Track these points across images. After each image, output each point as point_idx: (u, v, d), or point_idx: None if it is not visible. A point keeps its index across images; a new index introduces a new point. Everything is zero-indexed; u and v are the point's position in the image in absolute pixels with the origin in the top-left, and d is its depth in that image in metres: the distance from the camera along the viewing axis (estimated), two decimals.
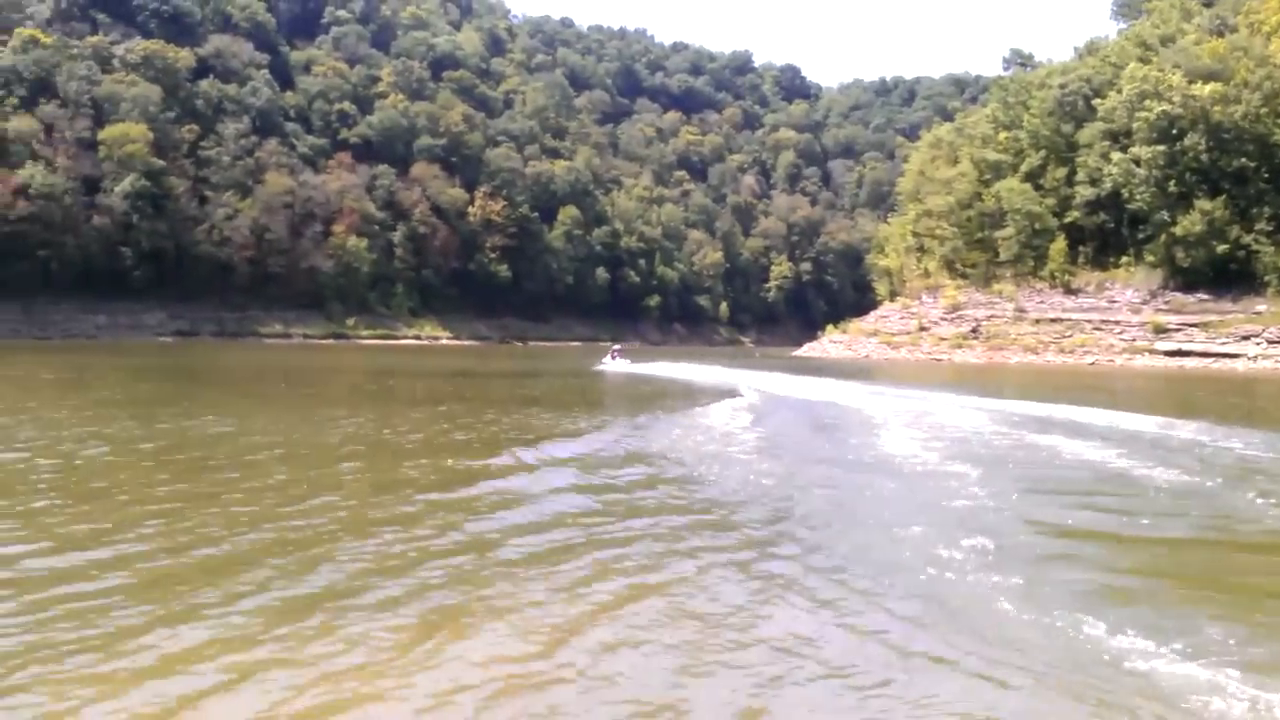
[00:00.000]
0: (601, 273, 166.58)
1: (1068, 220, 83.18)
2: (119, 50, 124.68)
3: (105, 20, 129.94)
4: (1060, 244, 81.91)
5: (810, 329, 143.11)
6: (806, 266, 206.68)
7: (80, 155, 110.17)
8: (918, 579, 8.37)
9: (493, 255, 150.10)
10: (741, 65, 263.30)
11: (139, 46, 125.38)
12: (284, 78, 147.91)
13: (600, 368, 56.99)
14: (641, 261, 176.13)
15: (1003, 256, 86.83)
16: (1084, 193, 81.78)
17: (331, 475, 14.08)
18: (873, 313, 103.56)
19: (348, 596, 7.65)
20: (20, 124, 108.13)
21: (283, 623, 6.96)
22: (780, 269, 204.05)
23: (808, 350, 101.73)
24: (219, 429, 19.77)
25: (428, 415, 24.81)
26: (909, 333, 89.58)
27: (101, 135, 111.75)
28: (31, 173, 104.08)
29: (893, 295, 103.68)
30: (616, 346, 74.52)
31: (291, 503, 11.58)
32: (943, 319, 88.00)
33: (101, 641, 6.52)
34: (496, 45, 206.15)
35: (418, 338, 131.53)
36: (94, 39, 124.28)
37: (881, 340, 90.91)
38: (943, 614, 7.40)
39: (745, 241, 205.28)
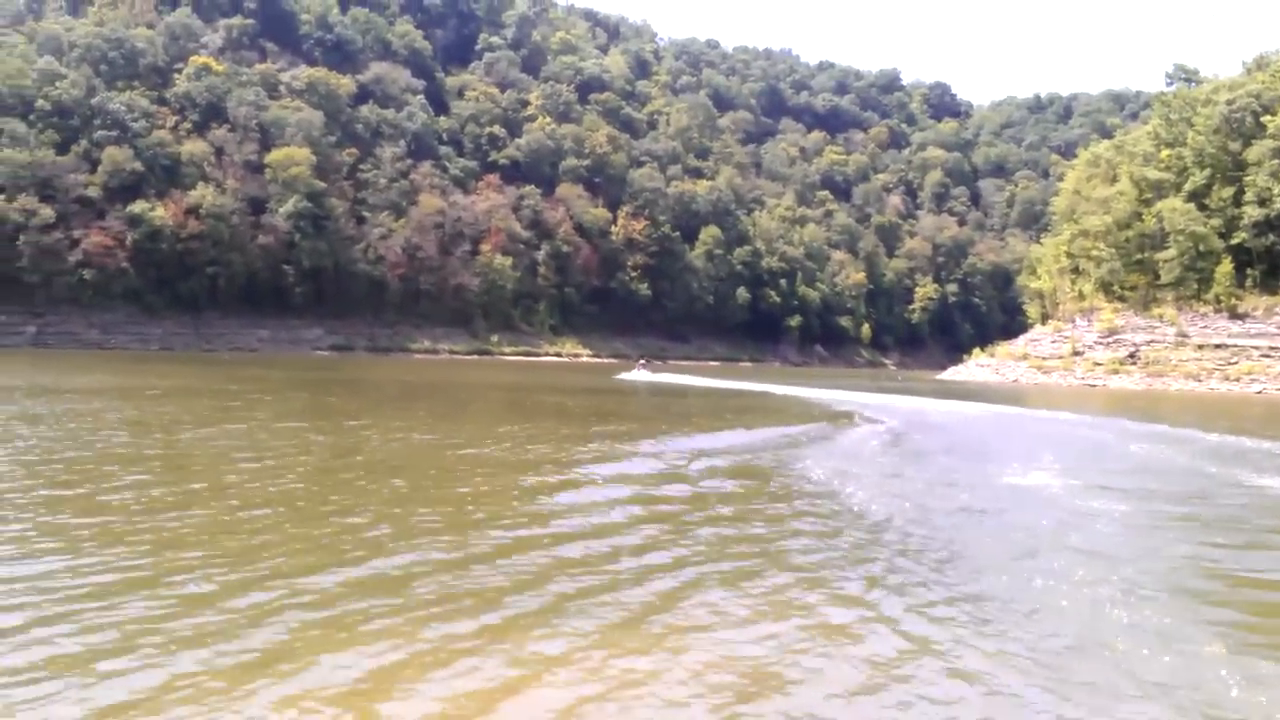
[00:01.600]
0: (742, 292, 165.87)
1: (1234, 242, 79.48)
2: (285, 77, 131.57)
3: (273, 49, 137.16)
4: (1226, 266, 78.19)
5: (955, 352, 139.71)
6: (953, 288, 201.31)
7: (247, 177, 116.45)
8: (1073, 616, 8.18)
9: (634, 274, 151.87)
10: (889, 83, 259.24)
11: (304, 74, 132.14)
12: (438, 102, 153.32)
13: (625, 376, 65.28)
14: (782, 281, 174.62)
15: (1164, 279, 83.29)
16: (1252, 213, 77.97)
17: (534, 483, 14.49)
18: (1022, 336, 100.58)
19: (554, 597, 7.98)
20: (193, 147, 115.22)
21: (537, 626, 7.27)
22: (925, 290, 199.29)
23: (952, 374, 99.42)
24: (422, 439, 20.76)
25: (614, 430, 25.06)
26: (1061, 357, 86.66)
27: (267, 158, 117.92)
28: (202, 193, 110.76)
29: (1044, 318, 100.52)
30: (642, 360, 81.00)
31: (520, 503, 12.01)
32: (1098, 343, 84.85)
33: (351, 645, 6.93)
34: (642, 68, 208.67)
35: (558, 355, 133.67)
36: (262, 66, 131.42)
37: (1031, 365, 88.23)
38: (1098, 652, 7.23)
39: (889, 262, 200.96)
